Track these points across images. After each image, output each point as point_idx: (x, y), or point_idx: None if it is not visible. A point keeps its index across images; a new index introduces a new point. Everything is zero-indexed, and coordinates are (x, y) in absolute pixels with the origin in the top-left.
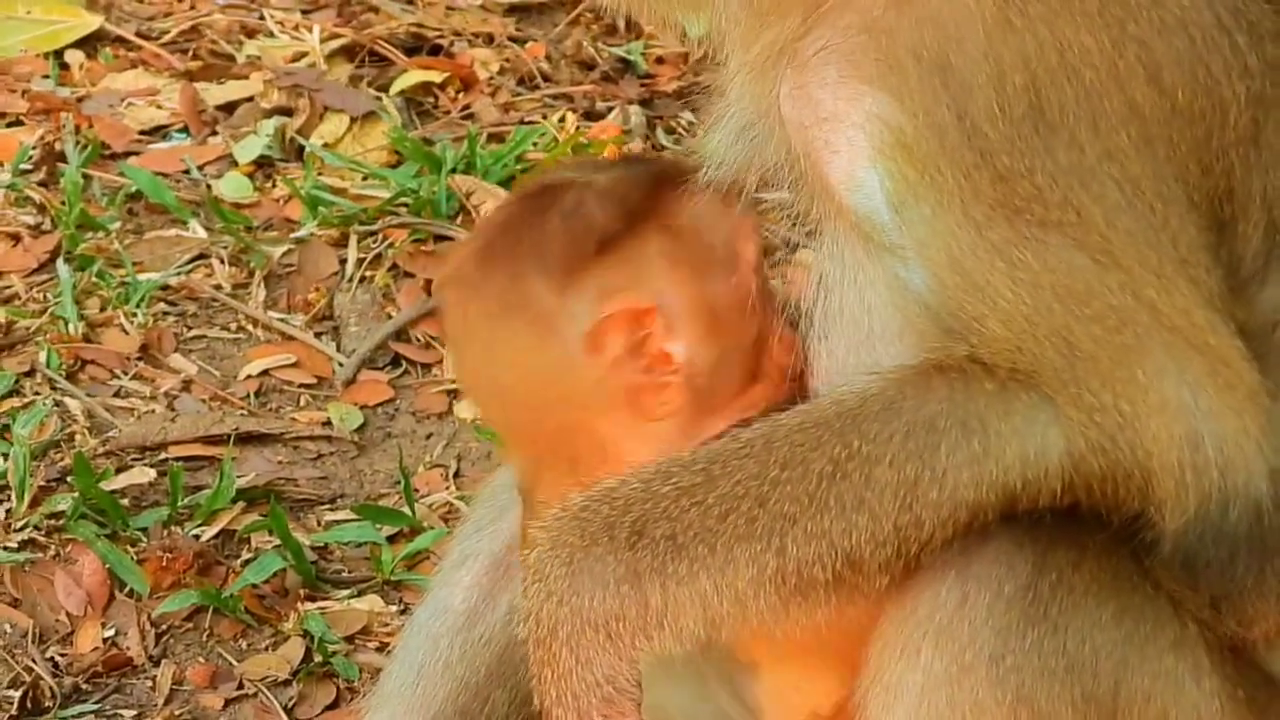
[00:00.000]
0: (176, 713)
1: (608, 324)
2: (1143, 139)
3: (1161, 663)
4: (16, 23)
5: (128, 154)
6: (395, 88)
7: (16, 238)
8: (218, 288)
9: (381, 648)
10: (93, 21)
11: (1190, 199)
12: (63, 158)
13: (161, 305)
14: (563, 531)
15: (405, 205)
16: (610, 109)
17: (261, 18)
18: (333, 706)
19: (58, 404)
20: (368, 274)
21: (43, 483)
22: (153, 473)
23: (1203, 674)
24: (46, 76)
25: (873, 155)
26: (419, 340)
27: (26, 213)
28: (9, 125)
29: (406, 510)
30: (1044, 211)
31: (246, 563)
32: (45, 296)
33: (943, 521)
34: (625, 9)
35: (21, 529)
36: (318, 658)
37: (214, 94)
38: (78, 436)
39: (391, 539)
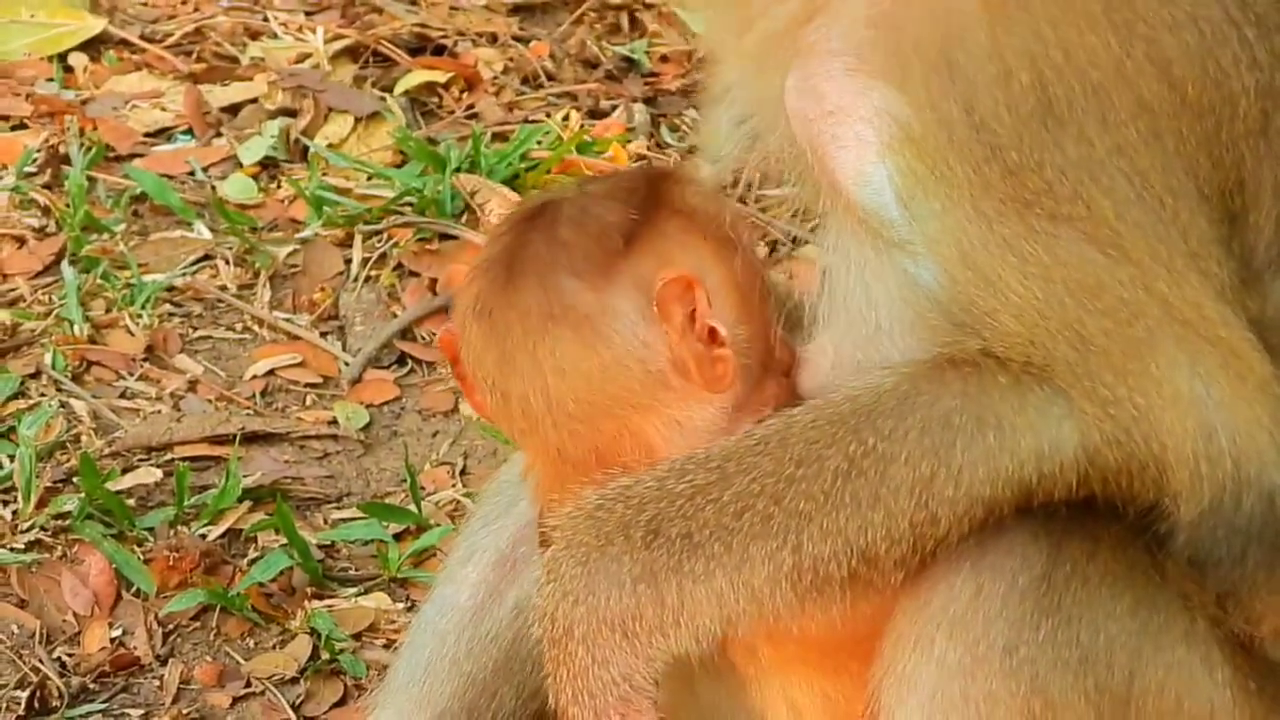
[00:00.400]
0: (184, 711)
1: (670, 289)
2: (1152, 133)
3: (1175, 654)
4: (20, 26)
5: (132, 156)
6: (399, 88)
7: (21, 240)
8: (223, 288)
9: (388, 645)
10: (96, 25)
11: (1201, 192)
12: (67, 160)
13: (167, 306)
14: (578, 531)
15: (410, 204)
16: (614, 107)
17: (265, 19)
18: (340, 704)
19: (63, 405)
20: (373, 273)
21: (49, 484)
22: (159, 473)
23: (1215, 666)
24: (50, 80)
25: (881, 150)
26: (424, 339)
27: (31, 215)
28: (13, 128)
29: (413, 508)
30: (1054, 205)
31: (253, 562)
32: (50, 298)
33: (959, 517)
34: None
35: (28, 530)
36: (325, 655)
37: (218, 96)
38: (83, 437)
39: (398, 536)
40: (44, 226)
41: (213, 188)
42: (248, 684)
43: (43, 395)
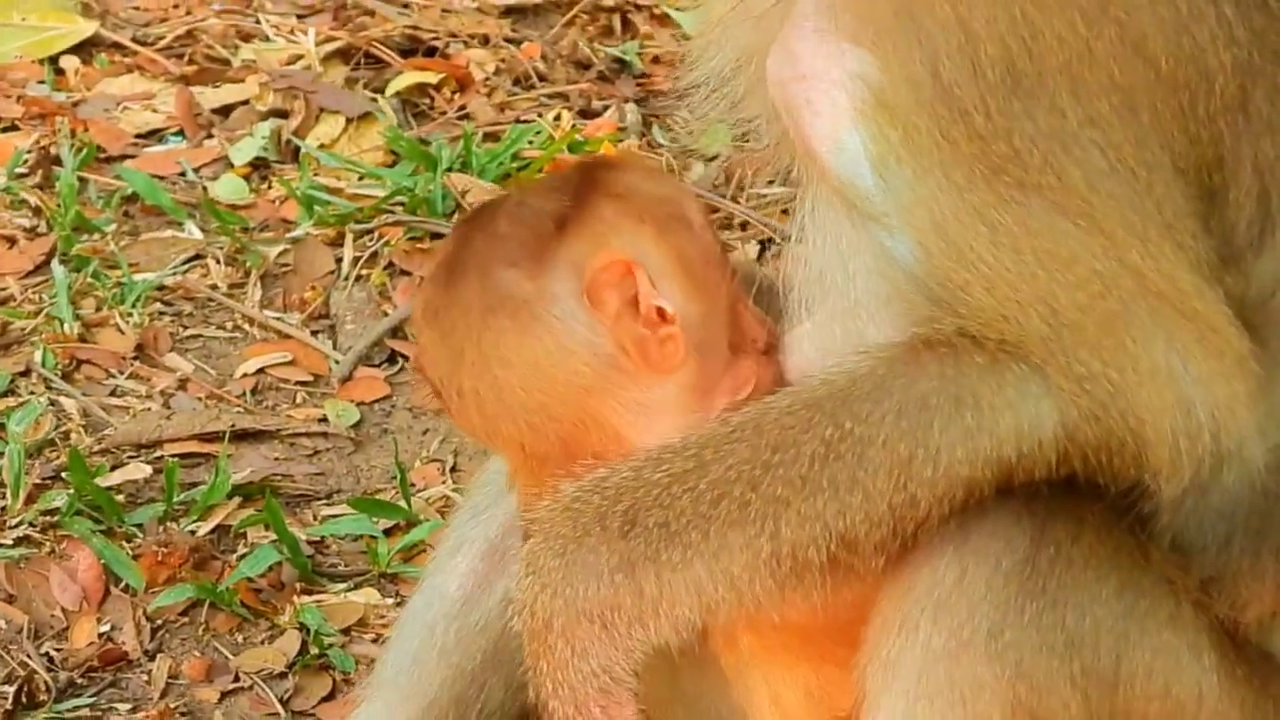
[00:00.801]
0: (172, 706)
1: (600, 277)
2: (1126, 106)
3: (1161, 638)
4: (12, 29)
5: (123, 157)
6: (391, 89)
7: (12, 240)
8: (214, 287)
9: (377, 640)
10: (88, 28)
11: (1176, 166)
12: (58, 161)
13: (157, 305)
14: (555, 523)
15: (401, 204)
16: (606, 107)
17: (257, 22)
18: (329, 698)
19: (53, 403)
20: (364, 272)
21: (38, 480)
22: (148, 469)
23: (1202, 650)
24: (42, 82)
25: (855, 117)
26: (415, 337)
27: (22, 215)
28: (4, 130)
29: (403, 503)
30: (1023, 174)
31: (242, 557)
32: (41, 298)
33: (938, 499)
34: None
35: (17, 525)
36: (313, 650)
37: (209, 97)
38: (73, 435)
39: (388, 532)
40: (35, 227)
41: (204, 188)
42: (236, 679)
43: (32, 393)
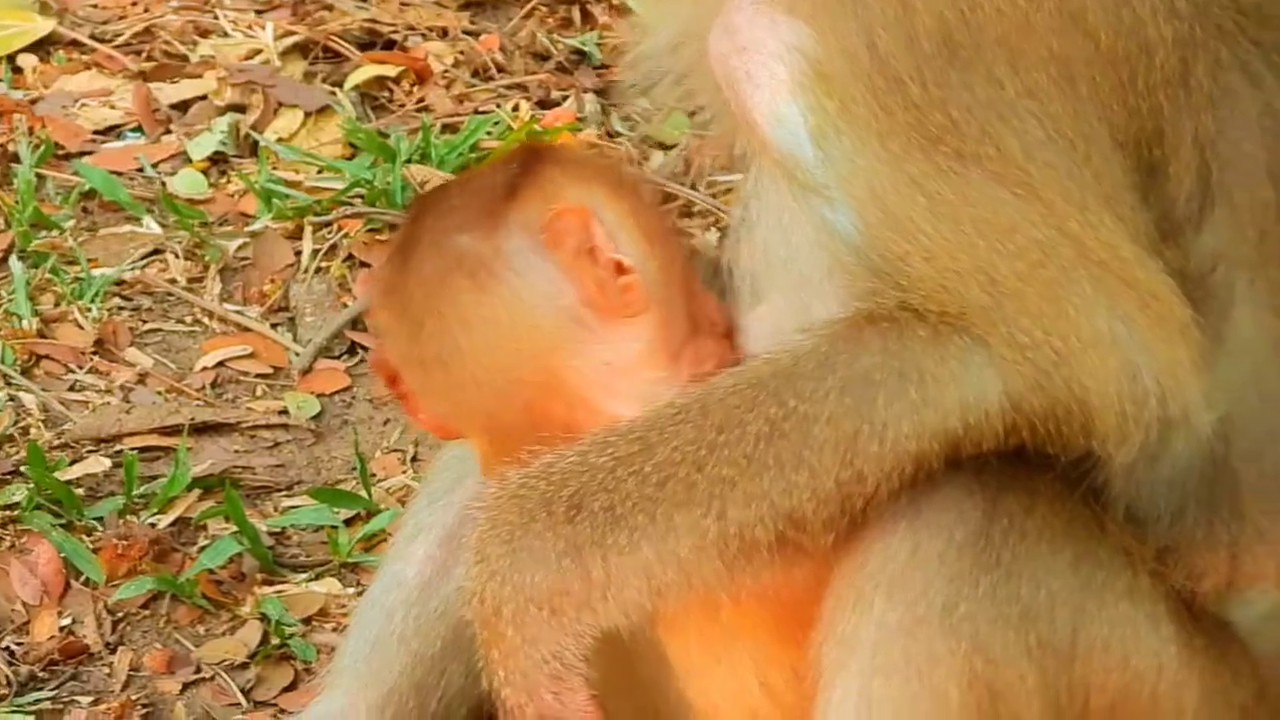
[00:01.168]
0: (133, 698)
1: (558, 222)
2: (1064, 78)
3: (1118, 609)
4: None
5: (82, 154)
6: (349, 83)
7: None
8: (173, 282)
9: (338, 629)
10: (45, 26)
11: (1115, 139)
12: (16, 159)
13: (116, 300)
14: (501, 510)
15: (360, 196)
16: (565, 97)
17: (215, 18)
18: (290, 688)
19: (12, 398)
20: (323, 265)
21: None
22: (108, 463)
23: (1160, 620)
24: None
25: (793, 88)
26: (374, 328)
27: None
28: None
29: (363, 494)
30: (960, 144)
31: (203, 549)
32: None
33: (886, 473)
34: None
35: None
36: (275, 640)
37: (168, 93)
38: (32, 429)
39: (348, 522)
40: None
41: (162, 183)
42: (198, 670)
43: None
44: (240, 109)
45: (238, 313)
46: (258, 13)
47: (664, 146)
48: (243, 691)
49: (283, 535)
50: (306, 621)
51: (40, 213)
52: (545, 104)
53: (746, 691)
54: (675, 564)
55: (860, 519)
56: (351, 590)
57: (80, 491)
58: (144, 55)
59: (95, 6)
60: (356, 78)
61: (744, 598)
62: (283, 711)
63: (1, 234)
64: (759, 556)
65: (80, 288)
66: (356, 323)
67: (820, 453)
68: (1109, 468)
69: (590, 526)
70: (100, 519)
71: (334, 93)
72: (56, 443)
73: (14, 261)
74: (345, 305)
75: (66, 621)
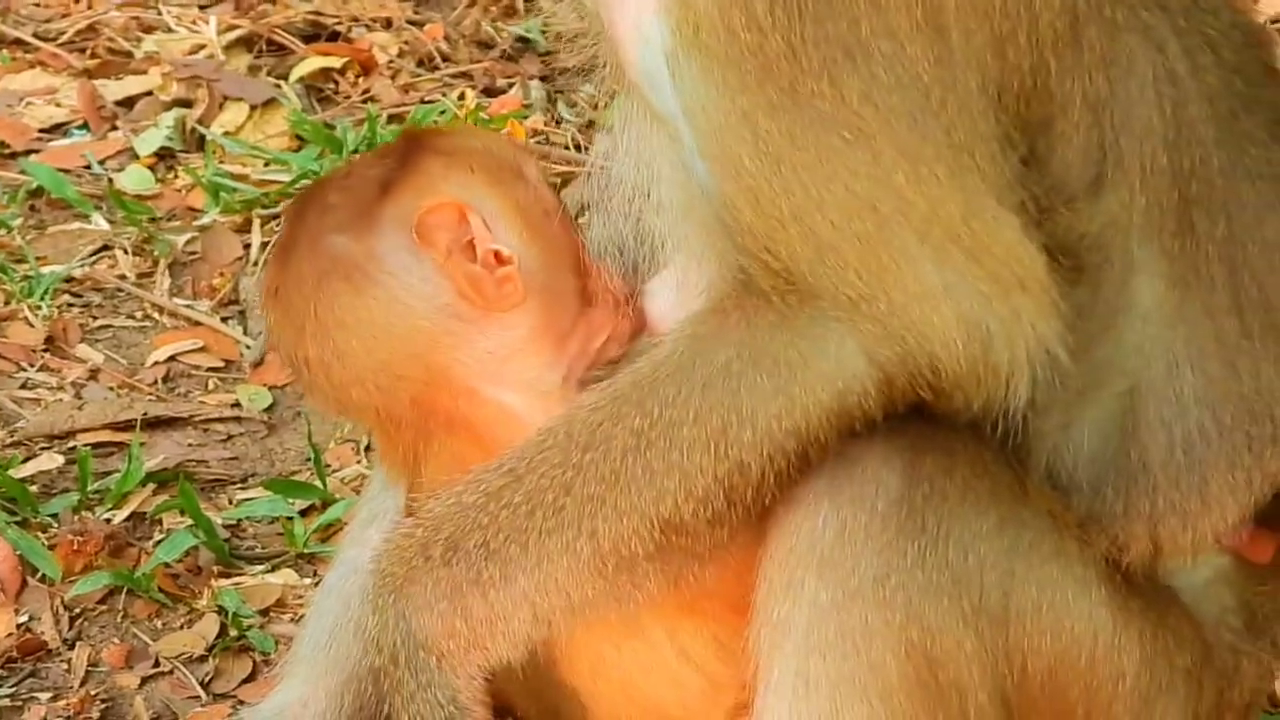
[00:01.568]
0: (92, 693)
1: (428, 218)
2: (932, 25)
3: (1047, 571)
4: None
5: (28, 152)
6: (294, 75)
7: None
8: (122, 277)
9: (296, 619)
10: None
11: (984, 89)
12: None
13: (66, 297)
14: (387, 561)
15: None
16: (510, 85)
17: (159, 14)
18: (250, 679)
19: None
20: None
21: None
22: (61, 459)
23: (1090, 584)
24: None
25: (658, 7)
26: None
27: None
28: None
29: (318, 484)
30: (797, 78)
31: (158, 543)
32: None
33: (769, 457)
34: None
35: None
36: (233, 632)
37: (113, 90)
38: None
39: (304, 513)
40: None
41: (110, 180)
42: (156, 664)
43: None
44: (186, 104)
45: (188, 307)
46: (201, 8)
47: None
48: (201, 684)
49: (238, 527)
50: (264, 613)
51: None
52: (491, 92)
53: (665, 663)
54: (555, 590)
55: (751, 507)
56: (308, 580)
57: (34, 489)
58: (88, 53)
59: (38, 5)
60: (301, 70)
61: (639, 608)
62: (242, 703)
63: None
64: (640, 568)
65: (30, 286)
66: None
67: (691, 453)
68: (1021, 430)
69: (466, 566)
70: (55, 515)
71: (279, 85)
72: (9, 441)
73: None
74: None
75: (24, 619)
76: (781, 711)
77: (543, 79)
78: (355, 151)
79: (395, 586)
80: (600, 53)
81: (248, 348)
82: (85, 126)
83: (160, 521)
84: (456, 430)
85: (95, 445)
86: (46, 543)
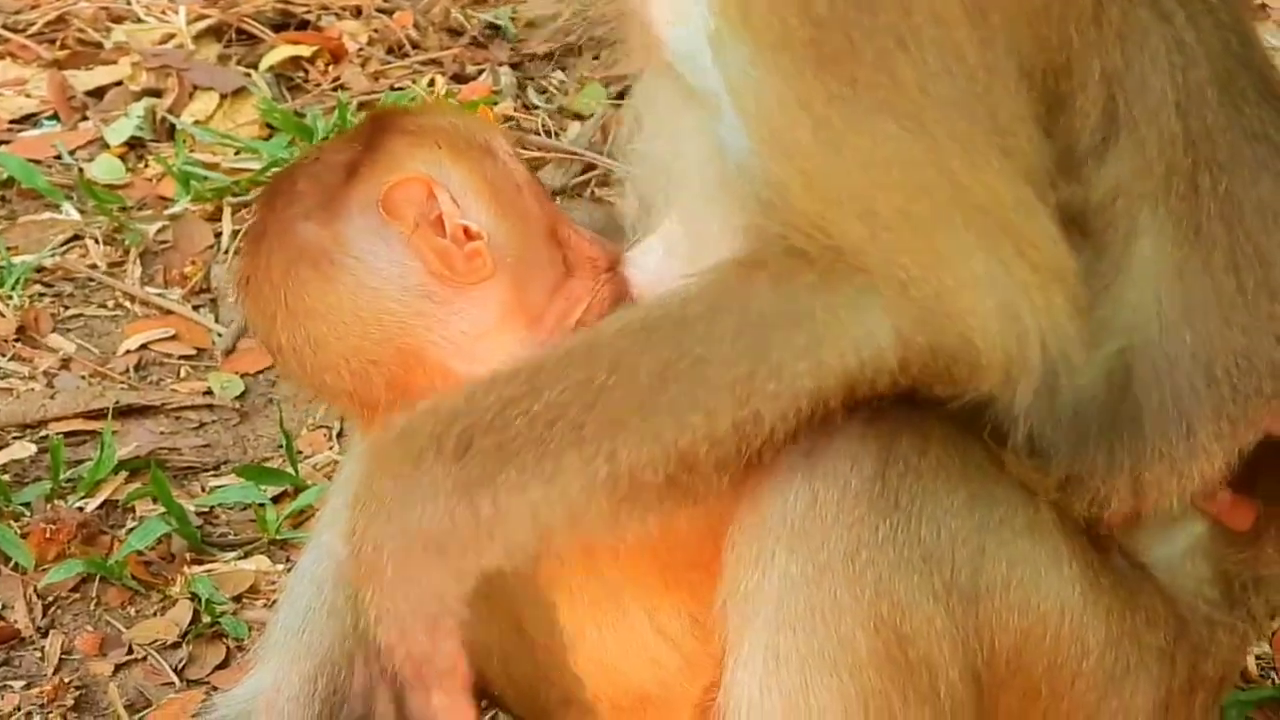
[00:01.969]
0: (66, 681)
1: (394, 194)
2: (976, 7)
3: (1018, 548)
4: None
5: None
6: (264, 64)
7: None
8: (93, 267)
9: (269, 605)
10: None
11: (1022, 69)
12: None
13: (37, 287)
14: (389, 449)
15: None
16: (481, 71)
17: (128, 4)
18: (223, 666)
19: None
20: (243, 245)
21: None
22: (34, 448)
23: (1062, 560)
24: None
25: None
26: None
27: None
28: None
29: (290, 470)
30: (855, 68)
31: (131, 531)
32: None
33: (783, 413)
34: None
35: None
36: (206, 619)
37: (83, 80)
38: None
39: (276, 499)
40: None
41: (80, 170)
42: (130, 651)
43: None
44: (156, 93)
45: (159, 295)
46: None
47: (580, 117)
48: (175, 671)
49: (211, 514)
50: (237, 599)
51: None
52: (461, 78)
53: (643, 642)
54: (564, 504)
55: (756, 462)
56: (281, 567)
57: (6, 477)
58: (58, 43)
59: None
60: (271, 59)
61: (629, 544)
62: (216, 689)
63: None
64: (646, 498)
65: (1, 276)
66: None
67: (715, 393)
68: (1007, 405)
69: (480, 465)
70: (27, 504)
71: (249, 74)
72: None
73: None
74: None
75: None
76: (751, 686)
77: (513, 65)
78: (325, 139)
79: (398, 474)
80: (619, 33)
81: (219, 336)
82: (55, 117)
83: (133, 509)
84: None
85: (67, 434)
86: (19, 531)
